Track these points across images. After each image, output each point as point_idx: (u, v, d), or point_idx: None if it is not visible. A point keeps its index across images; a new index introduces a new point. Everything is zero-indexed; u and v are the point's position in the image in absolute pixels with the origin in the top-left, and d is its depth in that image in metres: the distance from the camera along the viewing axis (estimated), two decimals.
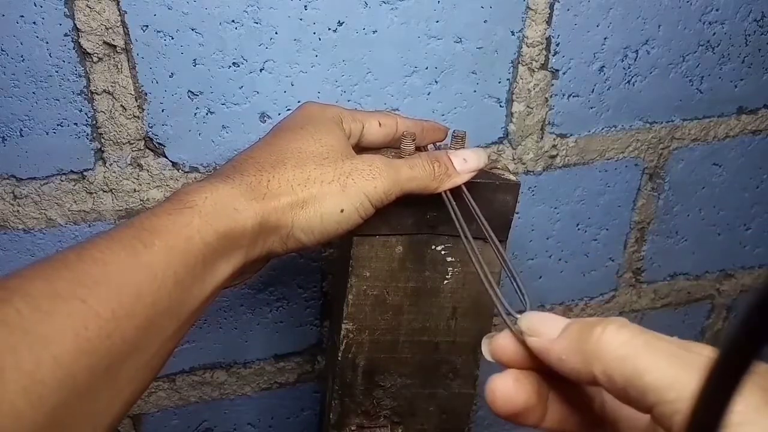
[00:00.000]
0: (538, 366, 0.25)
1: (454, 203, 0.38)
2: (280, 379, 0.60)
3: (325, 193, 0.35)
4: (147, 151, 0.46)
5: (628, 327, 0.22)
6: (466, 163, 0.39)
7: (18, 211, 0.45)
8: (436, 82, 0.50)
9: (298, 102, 0.48)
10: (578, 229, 0.62)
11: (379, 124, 0.42)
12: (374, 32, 0.47)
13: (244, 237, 0.33)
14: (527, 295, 0.28)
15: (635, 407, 0.22)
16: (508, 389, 0.25)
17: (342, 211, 0.36)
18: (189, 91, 0.45)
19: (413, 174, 0.38)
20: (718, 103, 0.61)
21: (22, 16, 0.40)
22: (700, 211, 0.66)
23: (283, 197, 0.34)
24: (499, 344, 0.26)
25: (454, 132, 0.43)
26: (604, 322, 0.23)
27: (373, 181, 0.36)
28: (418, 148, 0.43)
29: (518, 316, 0.26)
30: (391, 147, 0.43)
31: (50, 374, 0.23)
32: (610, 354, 0.22)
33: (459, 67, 0.51)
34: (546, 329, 0.25)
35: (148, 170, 0.47)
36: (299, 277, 0.55)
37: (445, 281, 0.43)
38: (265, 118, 0.48)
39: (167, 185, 0.48)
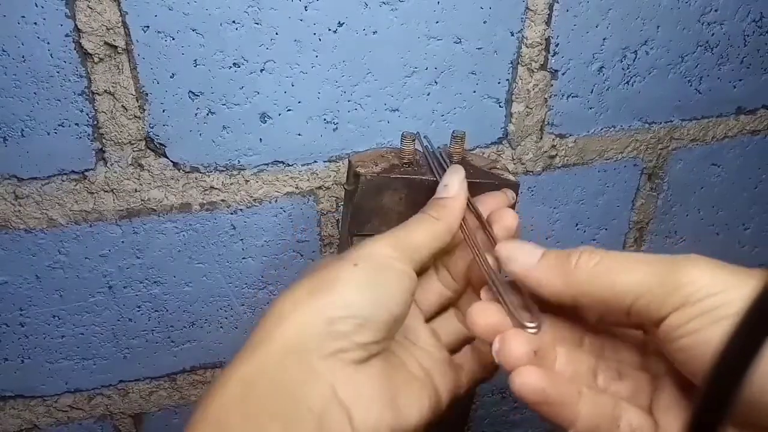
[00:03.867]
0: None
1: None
2: None
3: None
4: (148, 151, 0.46)
5: (597, 251, 0.27)
6: (447, 187, 0.36)
7: (19, 211, 0.45)
8: (435, 82, 0.51)
9: (299, 102, 0.48)
10: (577, 229, 0.63)
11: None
12: (374, 33, 0.47)
13: None
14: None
15: (615, 315, 0.26)
16: (484, 309, 0.29)
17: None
18: (190, 91, 0.45)
19: (421, 235, 0.33)
20: (717, 104, 0.61)
21: (24, 17, 0.40)
22: (698, 211, 0.67)
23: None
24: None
25: (453, 132, 0.43)
26: (577, 251, 0.27)
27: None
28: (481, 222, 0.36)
29: (530, 325, 0.28)
30: (395, 166, 0.42)
31: None
32: (588, 275, 0.26)
33: (459, 67, 0.51)
34: (524, 256, 0.28)
35: (149, 170, 0.47)
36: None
37: None
38: (266, 119, 0.48)
39: (168, 185, 0.48)
